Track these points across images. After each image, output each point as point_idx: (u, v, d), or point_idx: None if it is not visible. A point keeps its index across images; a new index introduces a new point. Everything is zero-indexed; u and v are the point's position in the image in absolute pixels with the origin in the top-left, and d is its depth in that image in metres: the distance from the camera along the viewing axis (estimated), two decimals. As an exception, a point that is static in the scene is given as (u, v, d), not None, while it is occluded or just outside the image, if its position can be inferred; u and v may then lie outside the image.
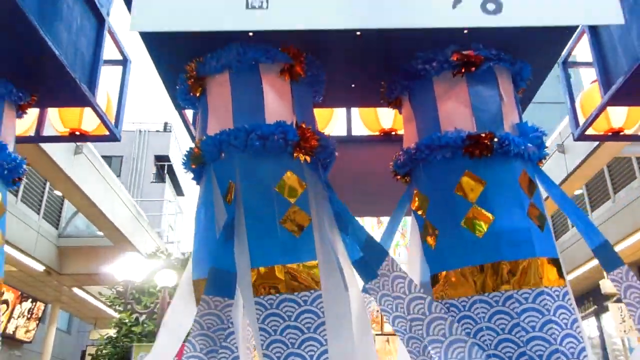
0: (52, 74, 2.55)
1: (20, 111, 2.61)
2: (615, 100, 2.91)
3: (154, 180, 20.33)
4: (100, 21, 2.99)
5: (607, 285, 11.49)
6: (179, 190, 23.17)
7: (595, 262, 11.34)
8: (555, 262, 2.08)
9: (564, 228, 13.34)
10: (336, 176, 2.46)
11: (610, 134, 3.25)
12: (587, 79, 3.60)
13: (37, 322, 13.71)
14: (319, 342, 1.86)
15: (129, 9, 1.79)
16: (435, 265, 2.16)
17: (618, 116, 3.17)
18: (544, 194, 2.28)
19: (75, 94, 2.73)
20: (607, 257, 2.16)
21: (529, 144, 2.13)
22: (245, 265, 2.02)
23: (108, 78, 3.17)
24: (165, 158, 21.15)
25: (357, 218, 2.18)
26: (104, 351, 10.67)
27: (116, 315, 11.57)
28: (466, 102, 2.17)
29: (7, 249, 8.68)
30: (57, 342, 14.17)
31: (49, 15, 2.46)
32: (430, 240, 2.21)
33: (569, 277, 10.82)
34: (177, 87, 2.47)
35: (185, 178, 24.39)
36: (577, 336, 1.91)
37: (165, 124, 21.81)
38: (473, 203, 2.09)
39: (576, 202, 12.73)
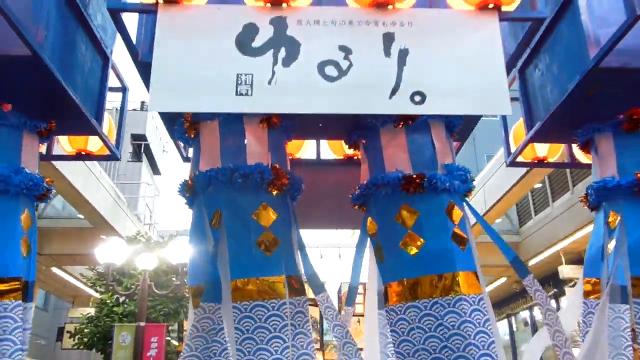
0: (68, 112, 3.10)
1: (42, 137, 3.16)
2: (536, 138, 3.60)
3: (131, 160, 20.64)
4: (105, 60, 3.53)
5: (565, 271, 12.49)
6: (155, 170, 23.51)
7: (555, 248, 12.32)
8: (474, 275, 2.73)
9: (528, 216, 14.28)
10: (309, 193, 3.11)
11: (536, 161, 3.95)
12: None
13: None
14: (282, 340, 2.52)
15: (147, 88, 2.37)
16: (384, 278, 2.84)
17: (541, 148, 3.86)
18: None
19: (86, 126, 3.29)
20: (519, 268, 2.83)
21: (454, 181, 2.79)
22: (226, 277, 2.66)
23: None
24: (142, 137, 21.42)
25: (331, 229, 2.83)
26: (85, 330, 11.26)
27: (96, 294, 12.12)
28: (404, 148, 2.81)
29: None
30: (34, 319, 14.64)
31: (67, 63, 3.00)
32: (379, 257, 2.88)
33: (531, 262, 11.79)
34: (176, 128, 3.05)
35: (162, 157, 24.69)
36: (488, 332, 2.58)
37: (142, 102, 21.99)
38: (409, 229, 2.74)
39: (539, 194, 13.66)
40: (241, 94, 2.24)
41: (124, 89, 3.95)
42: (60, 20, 2.91)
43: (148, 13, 2.52)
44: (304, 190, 3.07)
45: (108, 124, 3.74)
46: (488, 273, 16.33)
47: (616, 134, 3.13)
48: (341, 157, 3.85)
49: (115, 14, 2.49)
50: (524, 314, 17.40)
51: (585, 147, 3.40)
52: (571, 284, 12.41)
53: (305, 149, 3.86)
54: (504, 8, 2.48)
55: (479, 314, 2.62)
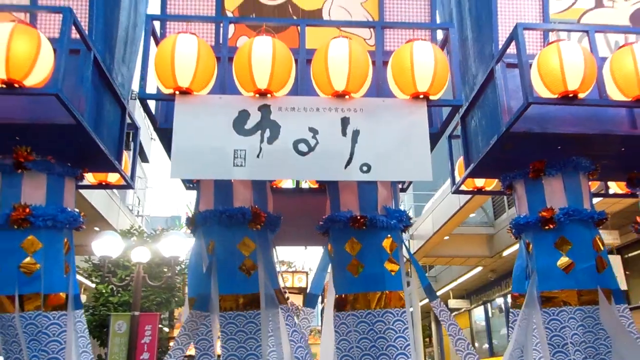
0: (98, 160, 4.00)
1: (77, 180, 4.06)
2: (471, 175, 4.58)
3: (119, 149, 21.33)
4: (123, 109, 4.41)
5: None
6: (144, 157, 24.24)
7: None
8: (400, 293, 3.70)
9: (502, 210, 15.36)
10: (290, 215, 4.08)
11: (475, 189, 4.94)
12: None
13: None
14: (257, 340, 3.53)
15: (166, 151, 3.29)
16: (335, 290, 3.83)
17: (479, 180, 4.85)
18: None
19: (110, 166, 4.20)
20: (430, 293, 3.85)
21: (391, 221, 3.75)
22: (216, 292, 3.62)
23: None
24: (131, 125, 22.06)
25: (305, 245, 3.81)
26: (82, 318, 12.20)
27: (92, 285, 13.04)
28: (355, 193, 3.79)
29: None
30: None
31: (98, 121, 3.89)
32: (334, 273, 3.87)
33: (505, 253, 12.98)
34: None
35: (150, 145, 25.39)
36: (406, 337, 3.57)
37: (131, 91, 22.57)
38: (354, 256, 3.73)
39: (498, 202, 14.73)
40: (237, 165, 3.17)
41: (136, 128, 4.83)
42: (94, 90, 3.80)
43: (168, 101, 3.43)
44: (285, 212, 4.03)
45: (124, 160, 4.64)
46: (466, 263, 17.53)
47: (526, 180, 4.11)
48: (315, 187, 4.81)
49: (143, 100, 3.40)
50: (499, 301, 18.67)
51: (508, 188, 4.38)
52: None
53: (286, 180, 4.81)
54: (431, 97, 3.42)
55: (400, 323, 3.63)
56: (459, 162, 4.98)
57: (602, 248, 3.92)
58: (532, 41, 3.98)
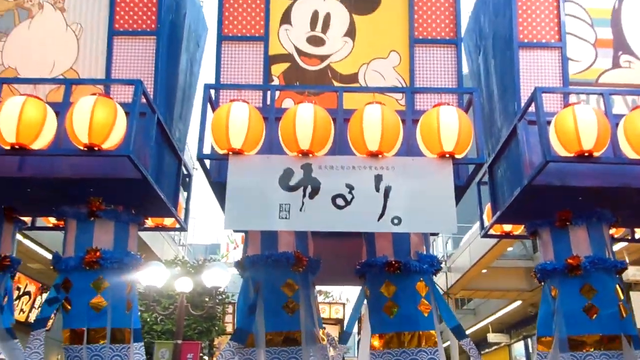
0: (159, 208, 4.53)
1: (139, 226, 4.60)
2: (499, 221, 4.89)
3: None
4: (179, 160, 4.96)
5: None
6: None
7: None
8: (432, 333, 4.03)
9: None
10: (329, 258, 4.49)
11: (503, 234, 5.24)
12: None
13: (56, 311, 15.77)
14: None
15: (220, 204, 3.78)
16: (372, 329, 4.20)
17: (507, 225, 5.15)
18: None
19: (168, 212, 4.72)
20: (459, 333, 4.16)
21: (423, 265, 4.11)
22: (262, 329, 4.04)
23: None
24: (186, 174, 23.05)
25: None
26: (127, 345, 12.82)
27: (137, 313, 13.65)
28: (389, 240, 4.17)
29: (31, 245, 10.59)
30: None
31: (159, 174, 4.43)
32: (370, 314, 4.24)
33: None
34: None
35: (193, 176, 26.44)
36: None
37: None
38: (389, 298, 4.09)
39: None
40: (282, 218, 3.62)
41: (189, 176, 5.38)
42: (157, 146, 4.34)
43: (223, 160, 3.94)
44: (324, 255, 4.46)
45: (179, 205, 5.17)
46: (505, 296, 17.39)
47: (552, 228, 4.40)
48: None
49: (200, 160, 3.93)
50: (540, 336, 18.31)
51: (532, 235, 4.68)
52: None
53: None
54: (456, 156, 3.81)
55: (433, 360, 3.95)
56: (487, 207, 5.30)
57: (622, 297, 4.17)
58: (553, 101, 4.32)
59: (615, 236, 5.07)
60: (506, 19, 4.66)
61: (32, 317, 14.65)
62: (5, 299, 4.45)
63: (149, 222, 5.15)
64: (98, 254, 4.13)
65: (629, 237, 5.32)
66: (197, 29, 5.30)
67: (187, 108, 5.12)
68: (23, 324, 11.76)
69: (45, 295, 14.87)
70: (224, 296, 14.77)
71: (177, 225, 5.21)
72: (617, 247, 13.70)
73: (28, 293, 13.96)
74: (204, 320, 13.28)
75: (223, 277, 12.72)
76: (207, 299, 13.07)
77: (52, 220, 5.03)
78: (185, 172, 5.18)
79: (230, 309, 15.40)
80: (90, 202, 4.18)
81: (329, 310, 17.60)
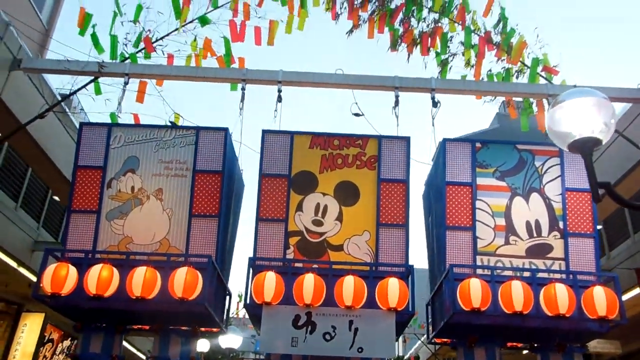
0: (212, 325, 7.21)
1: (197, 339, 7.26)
2: (436, 337, 7.48)
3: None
4: (224, 290, 7.66)
5: None
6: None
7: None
8: None
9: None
10: None
11: (442, 342, 7.81)
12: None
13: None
14: None
15: (256, 329, 6.37)
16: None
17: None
18: None
19: (218, 326, 7.40)
20: None
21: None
22: None
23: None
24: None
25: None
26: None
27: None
28: (363, 356, 6.78)
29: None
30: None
31: (216, 307, 7.10)
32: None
33: None
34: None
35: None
36: None
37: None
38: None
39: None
40: (293, 346, 6.26)
41: (229, 294, 8.07)
42: (215, 287, 7.04)
43: (258, 319, 6.62)
44: None
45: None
46: None
47: (464, 348, 6.97)
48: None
49: (247, 306, 6.64)
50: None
51: (453, 349, 7.25)
52: None
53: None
54: (398, 309, 6.45)
55: None
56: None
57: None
58: (464, 267, 6.98)
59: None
60: (440, 207, 7.39)
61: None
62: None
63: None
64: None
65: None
66: (239, 199, 8.14)
67: (230, 259, 7.89)
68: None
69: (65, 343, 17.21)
70: (235, 354, 17.59)
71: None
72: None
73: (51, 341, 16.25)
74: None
75: (236, 340, 15.94)
76: (219, 357, 15.87)
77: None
78: (228, 293, 7.88)
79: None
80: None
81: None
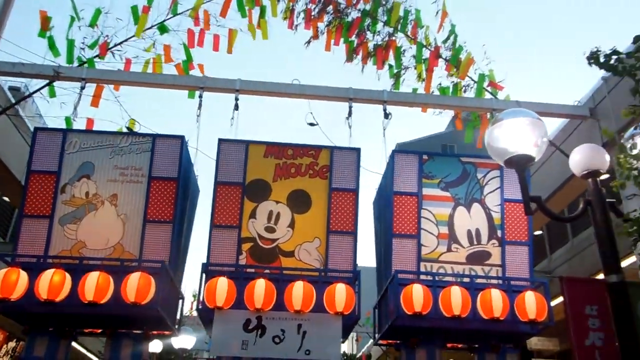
0: (165, 327, 7.37)
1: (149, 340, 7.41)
2: (382, 338, 7.84)
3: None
4: (179, 296, 7.82)
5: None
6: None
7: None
8: None
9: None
10: None
11: (387, 343, 8.19)
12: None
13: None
14: None
15: (208, 333, 6.63)
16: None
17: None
18: None
19: (170, 329, 7.56)
20: None
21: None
22: None
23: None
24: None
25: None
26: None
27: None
28: None
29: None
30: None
31: (170, 311, 7.27)
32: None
33: None
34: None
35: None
36: None
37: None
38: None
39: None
40: (243, 349, 6.50)
41: (182, 298, 8.23)
42: (168, 292, 7.20)
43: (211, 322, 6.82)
44: None
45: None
46: None
47: (407, 348, 7.36)
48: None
49: (198, 311, 6.83)
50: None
51: (397, 350, 7.64)
52: None
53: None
54: (345, 313, 6.77)
55: None
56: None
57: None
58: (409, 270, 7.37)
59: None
60: (388, 215, 7.76)
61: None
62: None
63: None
64: None
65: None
66: (194, 205, 8.31)
67: (183, 264, 8.06)
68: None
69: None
70: (187, 354, 17.83)
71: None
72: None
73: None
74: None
75: (189, 341, 16.20)
76: (172, 357, 16.00)
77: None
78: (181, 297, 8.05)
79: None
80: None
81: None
